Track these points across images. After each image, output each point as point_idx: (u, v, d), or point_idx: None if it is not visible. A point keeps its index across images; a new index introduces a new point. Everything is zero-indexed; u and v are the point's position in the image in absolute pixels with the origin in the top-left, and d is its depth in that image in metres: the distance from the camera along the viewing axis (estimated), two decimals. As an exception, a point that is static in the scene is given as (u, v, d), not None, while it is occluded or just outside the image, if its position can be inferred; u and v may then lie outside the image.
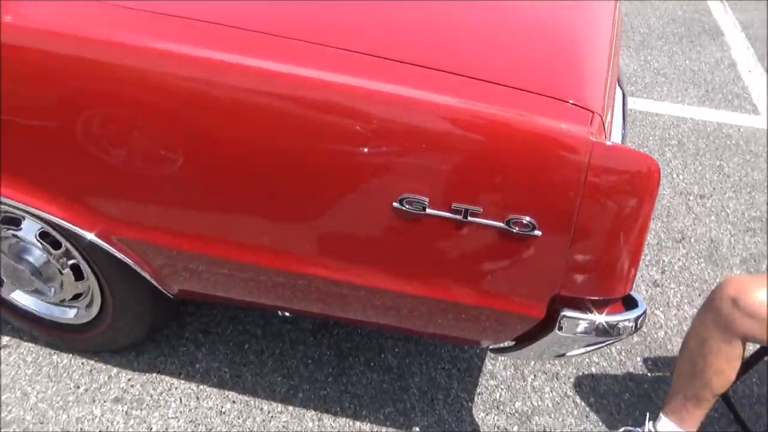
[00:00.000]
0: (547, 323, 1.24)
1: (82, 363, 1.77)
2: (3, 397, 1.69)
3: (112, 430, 1.62)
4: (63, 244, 1.49)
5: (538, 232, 1.10)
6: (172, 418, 1.66)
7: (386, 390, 1.75)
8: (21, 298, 1.69)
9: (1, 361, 1.77)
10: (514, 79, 1.13)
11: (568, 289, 1.17)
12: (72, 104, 1.16)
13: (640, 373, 1.86)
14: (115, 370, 1.76)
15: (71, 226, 1.27)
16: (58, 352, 1.80)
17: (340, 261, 1.25)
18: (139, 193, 1.22)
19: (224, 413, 1.67)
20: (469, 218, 1.10)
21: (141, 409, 1.67)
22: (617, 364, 1.87)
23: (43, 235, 1.50)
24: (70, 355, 1.79)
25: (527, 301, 1.21)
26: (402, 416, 1.69)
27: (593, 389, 1.80)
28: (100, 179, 1.22)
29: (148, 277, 1.36)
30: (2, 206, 1.42)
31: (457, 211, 1.10)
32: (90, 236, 1.28)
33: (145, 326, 1.65)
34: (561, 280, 1.16)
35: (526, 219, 1.09)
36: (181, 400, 1.70)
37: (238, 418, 1.66)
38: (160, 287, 1.40)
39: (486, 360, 1.86)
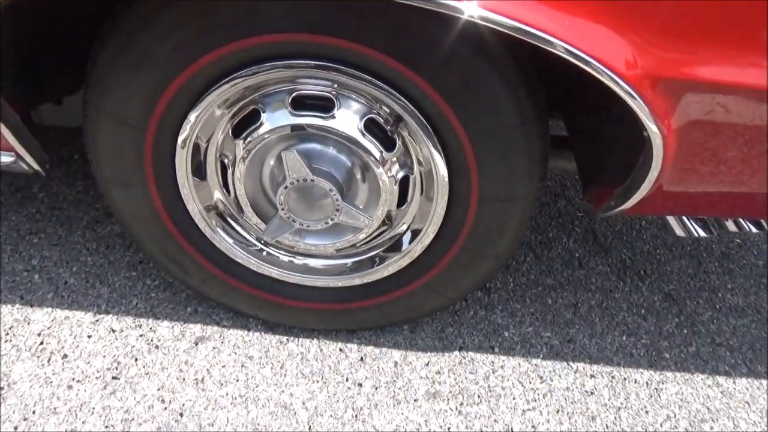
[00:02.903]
0: None
1: (339, 350, 1.17)
2: (344, 426, 1.05)
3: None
4: (398, 143, 0.90)
5: None
6: (529, 410, 1.11)
7: (762, 337, 1.31)
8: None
9: (213, 363, 1.12)
10: None
11: None
12: None
13: None
14: (394, 353, 1.17)
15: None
16: (291, 338, 1.18)
17: None
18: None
19: (592, 393, 1.15)
20: None
21: (475, 405, 1.11)
22: None
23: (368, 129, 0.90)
24: (306, 340, 1.18)
25: None
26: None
27: None
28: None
29: (653, 173, 0.79)
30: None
31: None
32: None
33: (475, 283, 1.08)
34: None
35: None
36: (521, 383, 1.15)
37: (614, 397, 1.15)
38: (651, 185, 0.83)
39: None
